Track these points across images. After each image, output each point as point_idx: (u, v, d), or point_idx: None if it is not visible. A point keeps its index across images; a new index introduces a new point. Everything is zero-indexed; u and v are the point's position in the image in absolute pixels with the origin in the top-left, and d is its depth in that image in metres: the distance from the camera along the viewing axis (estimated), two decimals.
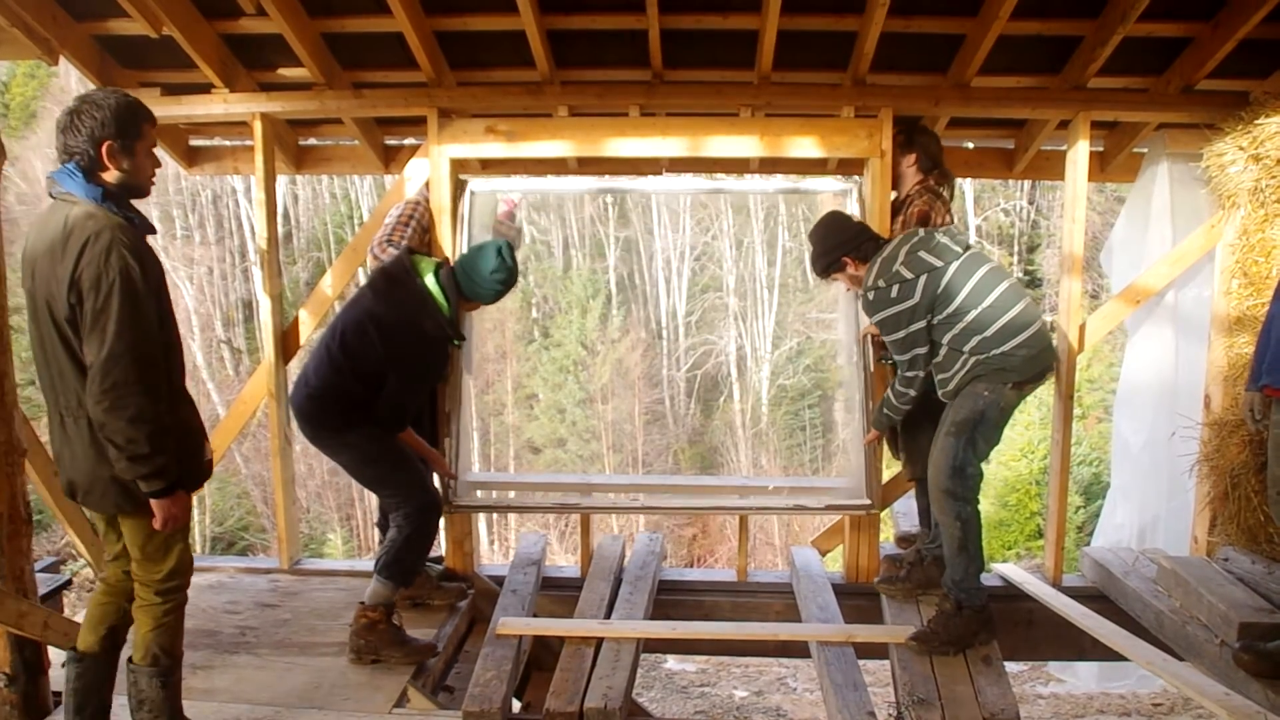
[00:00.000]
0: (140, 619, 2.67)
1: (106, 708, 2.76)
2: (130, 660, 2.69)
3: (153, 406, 2.42)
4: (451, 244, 4.12)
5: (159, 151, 2.72)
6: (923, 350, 3.40)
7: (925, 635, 3.47)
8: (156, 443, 2.43)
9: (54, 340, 2.46)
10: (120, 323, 2.36)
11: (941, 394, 3.46)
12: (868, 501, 4.13)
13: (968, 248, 3.38)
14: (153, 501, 2.51)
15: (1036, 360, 3.30)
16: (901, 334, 3.39)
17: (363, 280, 4.42)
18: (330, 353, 3.43)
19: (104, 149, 2.46)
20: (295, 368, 4.26)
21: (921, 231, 3.45)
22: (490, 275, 3.47)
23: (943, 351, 3.39)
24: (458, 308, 3.50)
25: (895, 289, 3.36)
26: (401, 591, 3.61)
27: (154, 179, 2.64)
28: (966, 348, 3.31)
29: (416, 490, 3.53)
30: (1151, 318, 4.53)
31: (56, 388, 2.52)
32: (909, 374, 3.49)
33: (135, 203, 2.62)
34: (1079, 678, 5.76)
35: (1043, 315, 3.37)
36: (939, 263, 3.32)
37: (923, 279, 3.32)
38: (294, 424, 3.69)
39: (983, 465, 3.44)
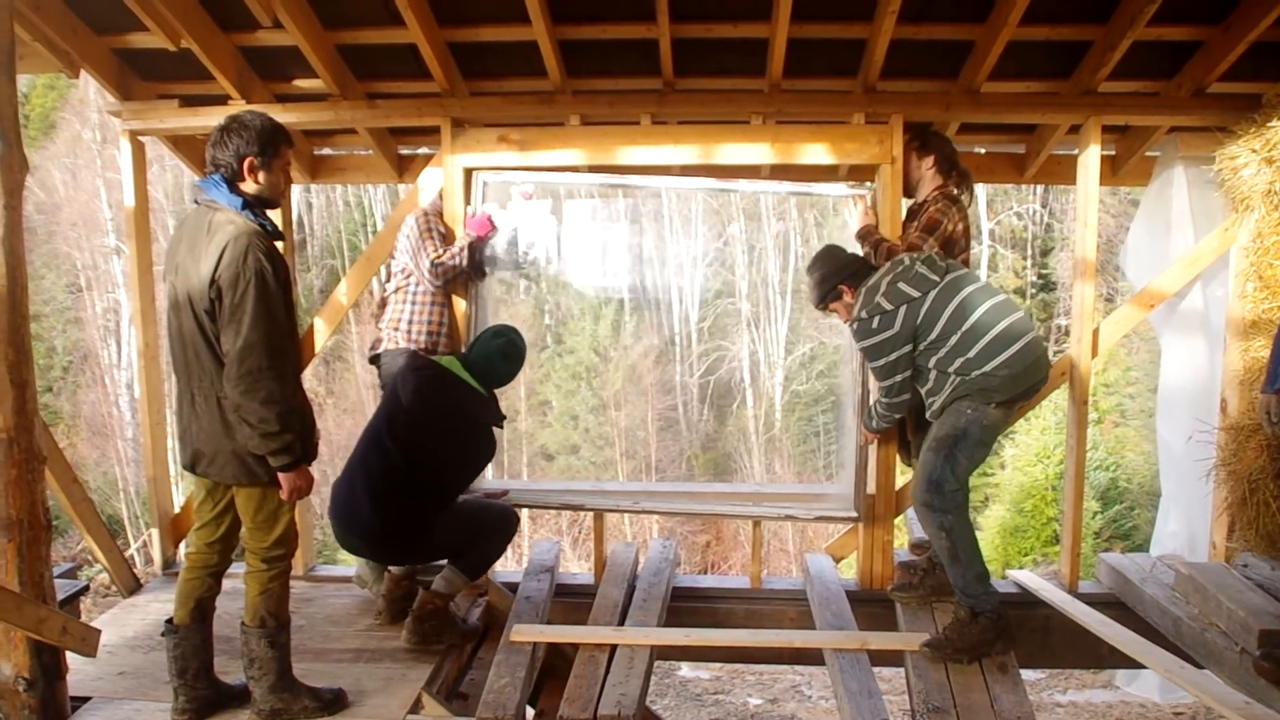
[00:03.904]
0: (249, 584, 2.98)
1: (208, 667, 3.07)
2: (242, 622, 3.00)
3: (282, 389, 2.72)
4: None
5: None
6: (902, 377, 3.52)
7: (939, 642, 3.46)
8: (285, 422, 2.72)
9: (193, 328, 2.75)
10: (254, 316, 2.65)
11: (929, 415, 3.52)
12: (854, 514, 4.17)
13: (947, 273, 3.44)
14: (280, 475, 2.82)
15: (1019, 379, 3.30)
16: (882, 362, 3.52)
17: (376, 290, 4.44)
18: (391, 471, 3.40)
19: (245, 164, 2.78)
20: (307, 374, 4.27)
21: (906, 260, 3.51)
22: (507, 366, 3.66)
23: (931, 375, 3.45)
24: (491, 392, 3.65)
25: (876, 320, 3.46)
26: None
27: (285, 192, 3.00)
28: (951, 369, 3.37)
29: (502, 521, 3.70)
30: (1183, 321, 4.49)
31: (191, 370, 2.81)
32: (885, 399, 3.65)
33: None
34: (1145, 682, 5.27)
35: (1032, 332, 3.34)
36: (916, 293, 3.41)
37: (902, 310, 3.42)
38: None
39: (968, 479, 3.44)
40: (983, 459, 3.45)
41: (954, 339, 3.34)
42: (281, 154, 2.86)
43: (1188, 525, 4.53)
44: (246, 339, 2.65)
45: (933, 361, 3.41)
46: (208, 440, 2.83)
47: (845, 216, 4.17)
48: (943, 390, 3.41)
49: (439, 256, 3.96)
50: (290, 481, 2.84)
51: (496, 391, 3.70)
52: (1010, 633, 3.47)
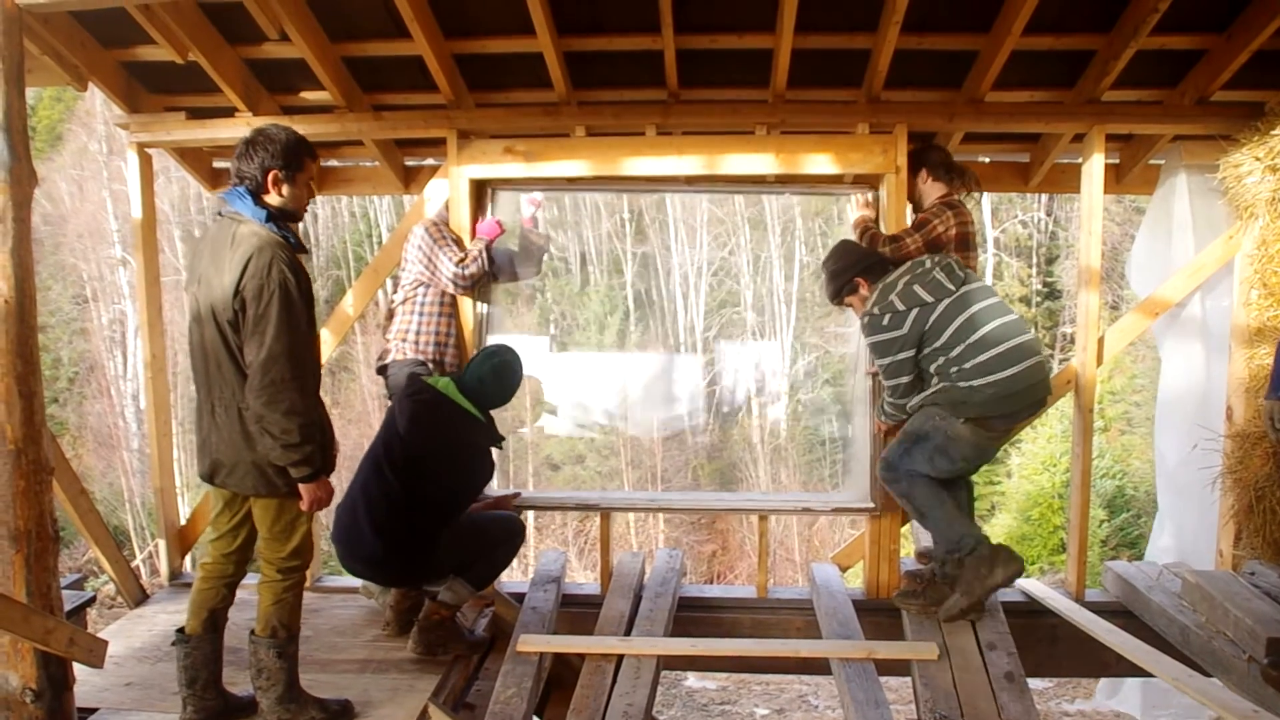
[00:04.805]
0: (262, 594, 2.98)
1: (217, 678, 3.07)
2: (252, 632, 3.00)
3: (303, 401, 2.74)
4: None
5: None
6: (906, 379, 3.57)
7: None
8: (306, 433, 2.74)
9: (215, 340, 2.77)
10: (278, 328, 2.68)
11: (909, 406, 3.61)
12: (871, 505, 4.18)
13: (964, 284, 3.46)
14: (301, 486, 2.84)
15: (1006, 401, 3.32)
16: (888, 360, 3.57)
17: (382, 301, 4.47)
18: (390, 497, 3.41)
19: (270, 176, 2.81)
20: None
21: (927, 263, 3.54)
22: (500, 387, 3.65)
23: (933, 382, 3.51)
24: (488, 414, 3.65)
25: (887, 318, 3.51)
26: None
27: (308, 206, 3.01)
28: (944, 374, 3.42)
29: (508, 532, 3.70)
30: (1183, 331, 4.49)
31: (212, 380, 2.83)
32: (890, 399, 3.70)
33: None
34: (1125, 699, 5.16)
35: (1035, 356, 3.33)
36: (930, 298, 3.44)
37: (913, 312, 3.45)
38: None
39: (933, 474, 3.54)
40: (944, 469, 3.50)
41: (956, 350, 3.38)
42: (305, 167, 2.89)
43: (1179, 539, 4.53)
44: (270, 350, 2.67)
45: (934, 367, 3.45)
46: (228, 451, 2.85)
47: (847, 214, 4.20)
48: (929, 390, 3.48)
49: (462, 261, 3.99)
50: (310, 493, 2.86)
51: (501, 405, 3.71)
52: (1008, 552, 3.51)
